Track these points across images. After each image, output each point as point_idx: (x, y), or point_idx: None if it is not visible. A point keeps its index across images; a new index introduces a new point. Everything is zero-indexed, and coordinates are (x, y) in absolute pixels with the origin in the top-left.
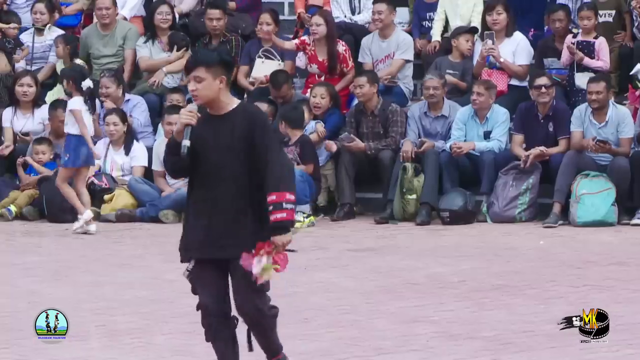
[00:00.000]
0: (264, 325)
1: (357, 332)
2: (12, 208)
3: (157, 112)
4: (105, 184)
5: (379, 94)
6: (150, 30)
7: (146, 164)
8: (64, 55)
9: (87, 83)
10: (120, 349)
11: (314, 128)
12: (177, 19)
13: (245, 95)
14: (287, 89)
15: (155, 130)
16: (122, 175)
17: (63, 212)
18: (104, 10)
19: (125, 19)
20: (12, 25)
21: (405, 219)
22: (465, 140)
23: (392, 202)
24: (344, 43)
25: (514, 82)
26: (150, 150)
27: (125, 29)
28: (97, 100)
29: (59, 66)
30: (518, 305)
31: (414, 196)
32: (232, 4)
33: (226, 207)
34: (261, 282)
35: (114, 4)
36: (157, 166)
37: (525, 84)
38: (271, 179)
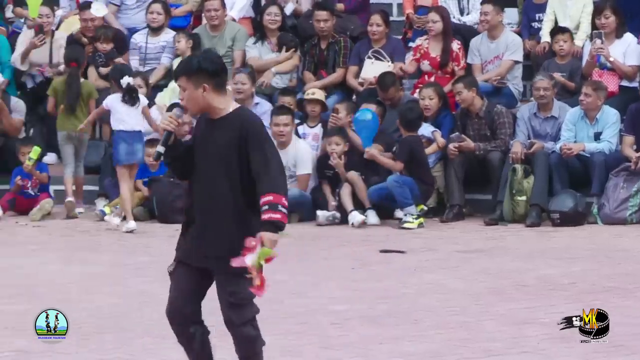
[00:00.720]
0: (243, 343)
1: (467, 333)
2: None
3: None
4: None
5: (482, 96)
6: (259, 31)
7: None
8: (185, 49)
9: (126, 80)
10: (231, 349)
11: (431, 135)
12: (287, 20)
13: (354, 96)
14: (395, 90)
15: None
16: None
17: (173, 213)
18: (212, 12)
19: (234, 20)
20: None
21: (514, 221)
22: (575, 142)
23: (501, 204)
24: (458, 42)
25: (625, 83)
26: None
27: (234, 30)
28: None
29: (176, 64)
30: (629, 308)
31: (523, 197)
32: (341, 6)
33: (209, 215)
34: (251, 277)
35: (223, 5)
36: None
37: (636, 84)
38: (268, 181)
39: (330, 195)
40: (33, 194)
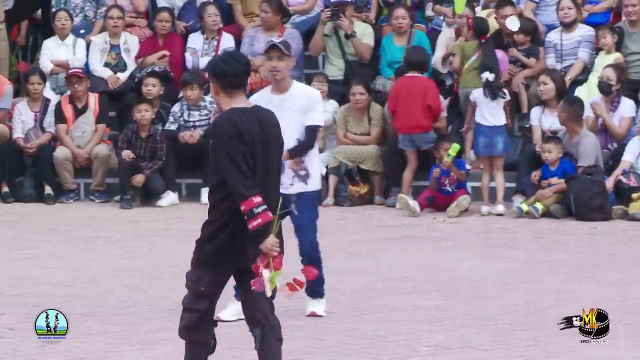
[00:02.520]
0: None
1: None
2: (538, 206)
3: None
4: (634, 183)
5: None
6: None
7: None
8: (612, 45)
9: (485, 75)
10: None
11: None
12: None
13: None
14: None
15: None
16: None
17: (591, 211)
18: (630, 7)
19: None
20: None
21: None
22: None
23: None
24: None
25: None
26: None
27: None
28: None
29: (600, 60)
30: None
31: None
32: None
33: None
34: (278, 293)
35: None
36: None
37: None
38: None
39: None
40: (450, 190)
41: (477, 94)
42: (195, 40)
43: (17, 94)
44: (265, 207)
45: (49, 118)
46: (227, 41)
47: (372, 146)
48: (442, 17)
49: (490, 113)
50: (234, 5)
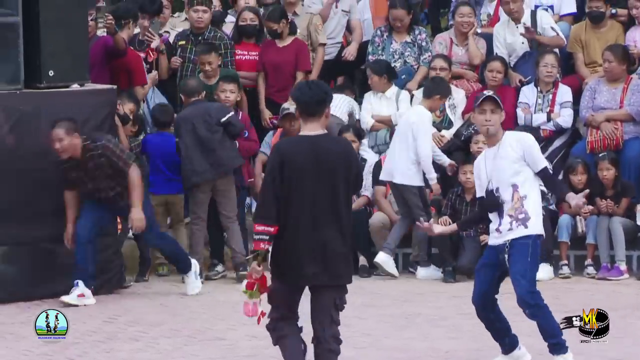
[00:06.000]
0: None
1: None
2: None
3: None
4: None
5: None
6: None
7: None
8: None
9: None
10: None
11: None
12: None
13: None
14: None
15: None
16: None
17: None
18: None
19: None
20: None
21: None
22: None
23: None
24: None
25: None
26: None
27: None
28: None
29: None
30: None
31: None
32: None
33: None
34: (248, 313)
35: None
36: None
37: None
38: None
39: None
40: None
41: None
42: (528, 94)
43: None
44: (262, 237)
45: (366, 180)
46: (564, 94)
47: None
48: None
49: None
50: (574, 54)
